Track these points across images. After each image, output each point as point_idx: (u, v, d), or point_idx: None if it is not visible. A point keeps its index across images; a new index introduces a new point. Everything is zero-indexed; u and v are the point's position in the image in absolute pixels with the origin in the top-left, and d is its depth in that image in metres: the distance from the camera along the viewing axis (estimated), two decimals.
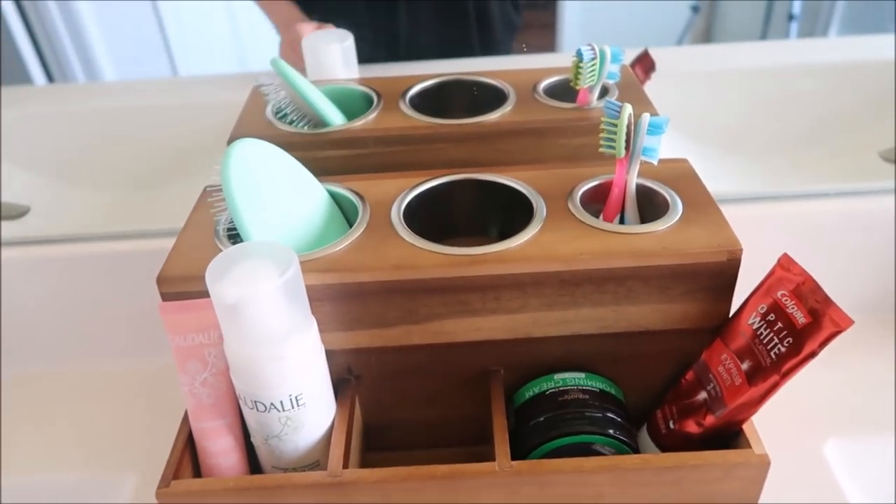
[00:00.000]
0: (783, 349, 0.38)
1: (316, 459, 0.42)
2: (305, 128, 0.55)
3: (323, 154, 0.53)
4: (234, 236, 0.43)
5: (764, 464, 0.38)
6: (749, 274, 0.42)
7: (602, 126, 0.44)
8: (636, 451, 0.42)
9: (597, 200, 0.47)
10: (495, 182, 0.48)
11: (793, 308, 0.39)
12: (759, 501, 0.40)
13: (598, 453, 0.41)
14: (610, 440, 0.41)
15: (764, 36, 1.30)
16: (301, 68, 0.57)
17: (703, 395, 0.42)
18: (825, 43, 1.10)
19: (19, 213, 0.68)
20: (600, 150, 0.44)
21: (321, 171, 0.48)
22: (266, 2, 0.82)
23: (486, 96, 0.58)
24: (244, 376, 0.38)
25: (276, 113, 0.56)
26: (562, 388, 0.43)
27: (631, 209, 0.46)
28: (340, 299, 0.41)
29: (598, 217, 0.44)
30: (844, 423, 0.54)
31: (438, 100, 0.60)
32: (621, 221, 0.46)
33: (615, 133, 0.43)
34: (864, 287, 0.63)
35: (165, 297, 0.41)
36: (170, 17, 1.13)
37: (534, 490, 0.39)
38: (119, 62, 1.10)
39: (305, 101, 0.54)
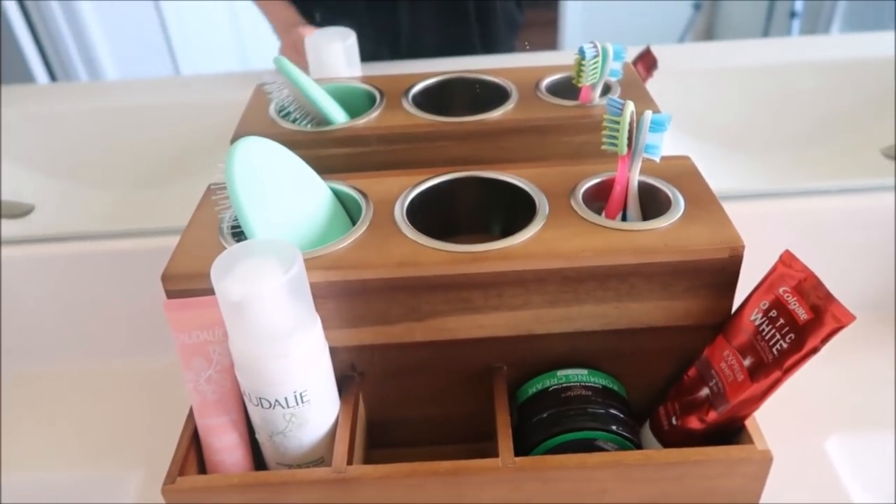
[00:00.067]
0: (785, 345, 0.38)
1: (320, 456, 0.42)
2: (308, 126, 0.55)
3: (326, 152, 0.53)
4: (238, 234, 0.44)
5: (766, 459, 0.38)
6: (750, 271, 0.42)
7: (604, 123, 0.44)
8: (639, 447, 0.42)
9: (599, 198, 0.47)
10: (498, 180, 0.48)
11: (794, 304, 0.39)
12: (762, 498, 0.40)
13: (601, 449, 0.41)
14: (613, 436, 0.41)
15: (766, 34, 1.30)
16: (304, 70, 0.58)
17: (705, 392, 0.42)
18: (827, 40, 1.10)
19: (23, 211, 0.69)
20: (603, 147, 0.44)
21: (324, 169, 0.48)
22: (265, 2, 0.83)
23: (488, 94, 0.59)
24: (249, 373, 0.38)
25: (280, 111, 0.57)
26: (564, 385, 0.43)
27: (633, 206, 0.46)
28: (344, 296, 0.42)
29: (600, 214, 0.45)
30: (847, 420, 0.54)
31: (441, 98, 0.60)
32: (623, 219, 0.46)
33: (617, 130, 0.43)
34: (867, 284, 0.63)
35: (170, 294, 0.41)
36: (172, 17, 1.13)
37: (537, 486, 0.39)
38: (121, 62, 1.10)
39: (308, 100, 0.55)
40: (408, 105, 0.56)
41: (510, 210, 0.48)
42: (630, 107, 0.43)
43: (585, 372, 0.44)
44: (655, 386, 0.46)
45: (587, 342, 0.44)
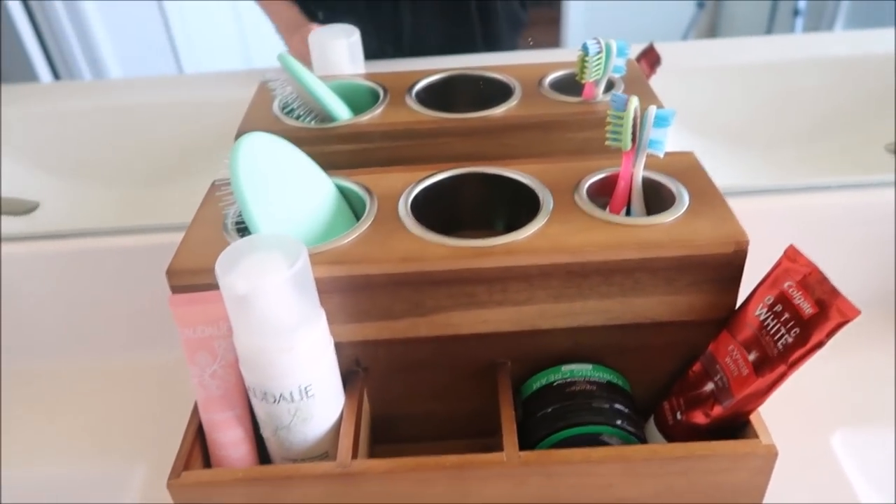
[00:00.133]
0: (790, 340, 0.38)
1: (325, 451, 0.42)
2: (312, 122, 0.56)
3: (329, 149, 0.53)
4: (243, 230, 0.44)
5: (771, 454, 0.38)
6: (752, 267, 0.42)
7: (608, 119, 0.44)
8: (644, 441, 0.42)
9: (603, 193, 0.47)
10: (501, 175, 0.48)
11: (799, 299, 0.39)
12: (767, 494, 0.40)
13: (606, 444, 0.41)
14: (617, 431, 0.41)
15: (769, 32, 1.30)
16: (308, 68, 0.58)
17: (710, 387, 0.42)
18: (830, 37, 1.09)
19: (27, 208, 0.69)
20: (606, 142, 0.44)
21: (328, 165, 0.48)
22: (268, 3, 0.83)
23: (491, 91, 0.59)
24: (253, 368, 0.39)
25: (283, 108, 0.57)
26: (569, 380, 0.43)
27: (637, 202, 0.46)
28: (348, 291, 0.42)
29: (604, 210, 0.44)
30: (852, 417, 0.54)
31: (444, 95, 0.60)
32: (627, 214, 0.46)
33: (621, 125, 0.43)
34: (871, 279, 0.63)
35: (175, 289, 0.41)
36: (175, 17, 1.13)
37: (542, 481, 0.39)
38: (125, 61, 1.10)
39: (312, 96, 0.55)
40: (411, 102, 0.56)
41: (514, 206, 0.48)
42: (634, 102, 0.43)
43: (590, 367, 0.44)
44: (660, 381, 0.46)
45: (591, 337, 0.44)
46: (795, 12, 1.22)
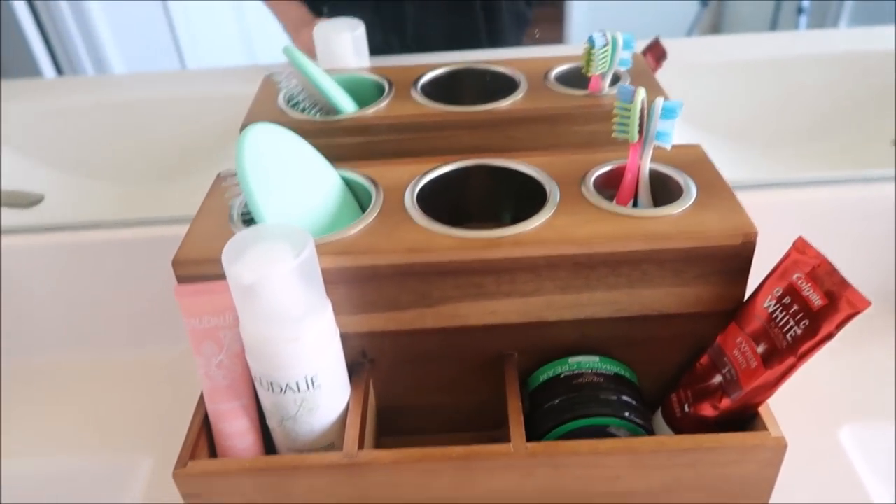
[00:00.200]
0: (799, 331, 0.38)
1: (331, 442, 0.42)
2: (317, 115, 0.55)
3: (335, 141, 0.53)
4: (249, 221, 0.43)
5: (780, 446, 0.38)
6: (760, 261, 0.42)
7: (615, 110, 0.44)
8: (651, 434, 0.42)
9: (610, 186, 0.46)
10: (508, 168, 0.48)
11: (809, 291, 0.39)
12: (776, 487, 0.40)
13: (613, 436, 0.41)
14: (625, 423, 0.41)
15: (773, 30, 1.30)
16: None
17: (718, 379, 0.42)
18: (835, 34, 1.09)
19: (31, 201, 0.69)
20: (613, 134, 0.44)
21: (333, 158, 0.48)
22: (274, 2, 0.83)
23: (497, 85, 0.58)
24: (260, 357, 0.38)
25: (289, 101, 0.56)
26: (576, 372, 0.43)
27: (644, 194, 0.46)
28: (354, 282, 0.41)
29: (611, 202, 0.44)
30: (859, 411, 0.54)
31: (450, 88, 0.60)
32: (634, 206, 0.46)
33: (628, 117, 0.43)
34: (880, 273, 0.62)
35: (181, 279, 0.41)
36: (179, 13, 1.13)
37: (549, 472, 0.39)
38: (128, 57, 1.10)
39: (318, 89, 0.54)
40: (417, 95, 0.56)
41: (520, 199, 0.48)
42: (641, 93, 0.43)
43: (597, 359, 0.44)
44: (667, 373, 0.46)
45: (598, 329, 0.44)
46: (799, 10, 1.22)
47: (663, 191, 0.46)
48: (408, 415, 0.48)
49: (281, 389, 0.39)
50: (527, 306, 0.43)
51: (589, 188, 0.45)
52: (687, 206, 0.43)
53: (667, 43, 0.67)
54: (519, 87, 0.56)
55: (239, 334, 0.39)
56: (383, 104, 0.55)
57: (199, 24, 1.18)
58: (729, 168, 0.49)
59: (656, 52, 0.64)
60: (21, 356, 0.64)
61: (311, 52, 0.64)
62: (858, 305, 0.37)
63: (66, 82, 1.01)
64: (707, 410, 0.41)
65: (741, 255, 0.41)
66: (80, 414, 0.59)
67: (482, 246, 0.41)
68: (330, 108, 0.56)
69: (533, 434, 0.42)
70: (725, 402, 0.41)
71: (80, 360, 0.64)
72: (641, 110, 0.43)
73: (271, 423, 0.41)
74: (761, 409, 0.40)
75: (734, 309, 0.43)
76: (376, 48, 0.67)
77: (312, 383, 0.39)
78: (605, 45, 0.52)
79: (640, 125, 0.43)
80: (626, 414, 0.41)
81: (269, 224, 0.41)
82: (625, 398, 0.42)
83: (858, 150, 0.74)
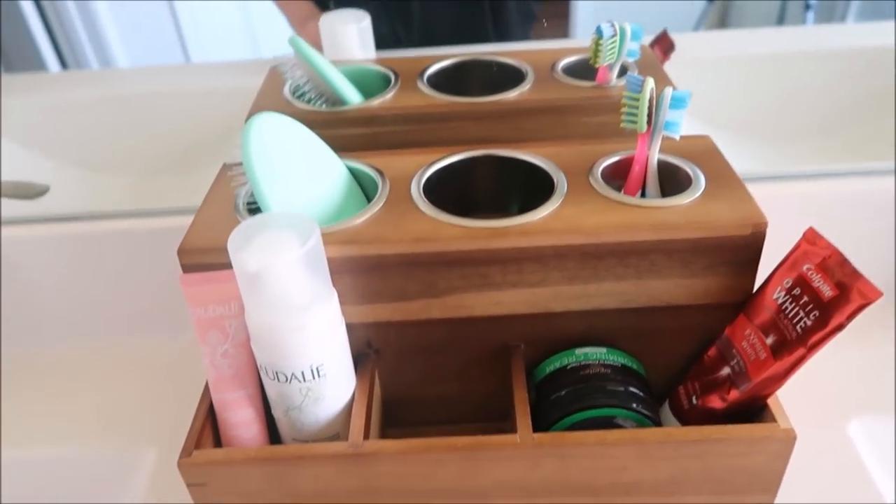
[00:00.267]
0: (809, 322, 0.38)
1: (336, 432, 0.42)
2: (323, 106, 0.55)
3: (340, 132, 0.53)
4: (254, 211, 0.43)
5: (789, 438, 0.38)
6: (765, 254, 0.41)
7: (623, 101, 0.43)
8: (658, 425, 0.42)
9: (617, 177, 0.46)
10: (515, 158, 0.48)
11: (819, 282, 0.39)
12: (784, 480, 0.40)
13: (620, 427, 0.41)
14: (632, 414, 0.41)
15: (780, 25, 1.29)
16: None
17: (726, 371, 0.41)
18: (842, 29, 1.08)
19: (37, 192, 0.69)
20: (622, 125, 0.44)
21: (339, 149, 0.48)
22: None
23: (504, 77, 0.58)
24: (265, 346, 0.38)
25: (294, 92, 0.56)
26: (583, 363, 0.43)
27: (652, 185, 0.45)
28: (360, 272, 0.41)
29: (619, 193, 0.44)
30: (868, 405, 0.54)
31: (456, 80, 0.59)
32: (642, 197, 0.45)
33: (637, 107, 0.43)
34: (891, 266, 0.62)
35: (186, 268, 0.41)
36: (183, 6, 1.13)
37: (555, 463, 0.38)
38: (133, 52, 1.10)
39: (323, 79, 0.54)
40: (423, 86, 0.56)
41: (528, 190, 0.47)
42: (650, 83, 0.42)
43: (604, 350, 0.44)
44: (675, 365, 0.46)
45: (606, 320, 0.43)
46: (807, 6, 1.21)
47: (672, 182, 0.45)
48: (413, 406, 0.48)
49: (286, 379, 0.39)
50: (534, 297, 0.42)
51: (597, 178, 0.44)
52: (696, 196, 0.42)
53: (673, 38, 0.67)
54: (526, 78, 0.56)
55: (244, 323, 0.39)
56: (389, 95, 0.55)
57: (204, 18, 1.17)
58: (735, 163, 0.49)
59: (664, 45, 0.63)
60: (26, 347, 0.64)
61: (316, 47, 0.64)
62: (870, 296, 0.36)
63: (70, 76, 1.01)
64: (715, 402, 0.41)
65: (751, 246, 0.41)
66: (84, 404, 0.59)
67: (489, 235, 0.40)
68: (336, 99, 0.55)
69: (539, 425, 0.41)
70: (734, 394, 0.40)
71: (84, 350, 0.64)
72: (650, 100, 0.42)
73: (276, 412, 0.41)
74: (770, 401, 0.40)
75: (743, 300, 0.42)
76: (383, 43, 0.67)
77: (318, 373, 0.39)
78: (614, 36, 0.52)
79: (649, 115, 0.43)
80: (634, 405, 0.41)
81: (275, 212, 0.41)
82: (632, 389, 0.42)
83: (864, 146, 0.73)
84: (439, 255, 0.41)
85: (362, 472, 0.39)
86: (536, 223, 0.41)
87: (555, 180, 0.45)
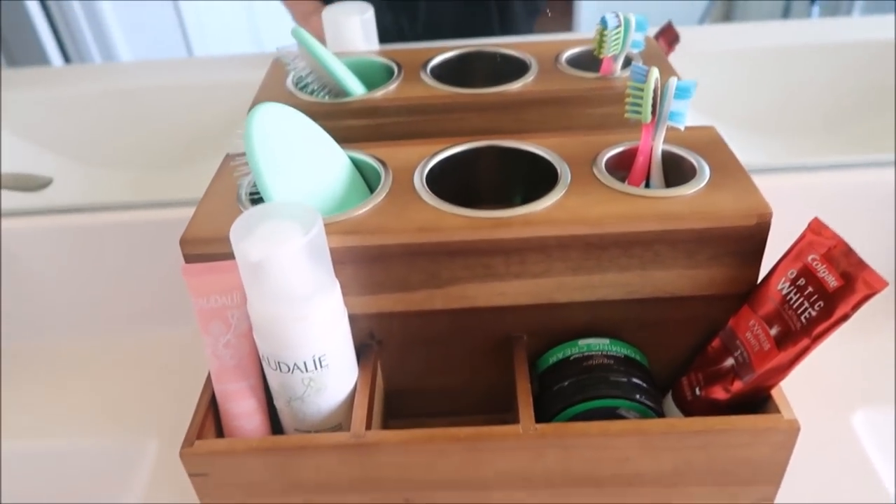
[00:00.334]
0: (814, 313, 0.38)
1: (338, 423, 0.41)
2: (326, 98, 0.55)
3: (343, 123, 0.53)
4: (257, 200, 0.43)
5: (793, 429, 0.38)
6: (769, 245, 0.41)
7: (628, 91, 0.43)
8: (662, 416, 0.41)
9: (621, 167, 0.46)
10: (518, 149, 0.47)
11: (824, 272, 0.38)
12: (788, 471, 0.39)
13: (623, 418, 0.41)
14: (635, 405, 0.40)
15: (785, 19, 1.28)
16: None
17: (730, 362, 0.41)
18: (848, 23, 1.08)
19: (40, 184, 0.69)
20: (626, 115, 0.44)
21: (342, 140, 0.48)
22: None
23: (507, 69, 0.58)
24: (267, 336, 0.38)
25: (297, 83, 0.56)
26: (586, 354, 0.43)
27: (657, 176, 0.45)
28: (363, 262, 0.41)
29: (623, 183, 0.44)
30: (873, 396, 0.53)
31: (460, 72, 0.59)
32: (647, 188, 0.45)
33: (641, 98, 0.42)
34: (892, 257, 0.62)
35: (188, 258, 0.41)
36: (187, 5, 1.13)
37: (558, 453, 0.38)
38: (135, 46, 1.10)
39: (327, 70, 0.54)
40: (426, 77, 0.56)
41: (531, 181, 0.47)
42: (655, 73, 0.42)
43: (607, 341, 0.43)
44: (678, 356, 0.45)
45: (609, 311, 0.43)
46: (812, 0, 1.20)
47: (676, 172, 0.45)
48: (416, 397, 0.48)
49: (288, 369, 0.39)
50: (537, 287, 0.42)
51: (601, 169, 0.44)
52: (700, 186, 0.42)
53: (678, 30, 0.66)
54: (530, 69, 0.56)
55: (246, 314, 0.39)
56: (392, 86, 0.55)
57: (208, 14, 1.17)
58: (739, 156, 0.48)
59: (669, 36, 0.63)
60: (27, 338, 0.64)
61: (320, 41, 0.63)
62: (875, 286, 0.36)
63: (73, 70, 1.01)
64: (718, 393, 0.41)
65: (755, 236, 0.40)
66: (87, 396, 0.59)
67: (492, 225, 0.40)
68: (339, 91, 0.55)
69: (542, 416, 0.41)
70: (737, 385, 0.40)
71: (86, 342, 0.64)
72: (655, 90, 0.42)
73: (279, 403, 0.41)
74: (774, 392, 0.39)
75: (747, 291, 0.42)
76: (387, 36, 0.66)
77: (320, 363, 0.39)
78: (618, 26, 0.52)
79: (654, 105, 0.42)
80: (637, 396, 0.40)
81: (278, 202, 0.40)
82: (635, 380, 0.41)
83: (870, 139, 0.73)
84: (442, 246, 0.40)
85: (364, 463, 0.39)
86: (540, 213, 0.41)
87: (558, 171, 0.44)
